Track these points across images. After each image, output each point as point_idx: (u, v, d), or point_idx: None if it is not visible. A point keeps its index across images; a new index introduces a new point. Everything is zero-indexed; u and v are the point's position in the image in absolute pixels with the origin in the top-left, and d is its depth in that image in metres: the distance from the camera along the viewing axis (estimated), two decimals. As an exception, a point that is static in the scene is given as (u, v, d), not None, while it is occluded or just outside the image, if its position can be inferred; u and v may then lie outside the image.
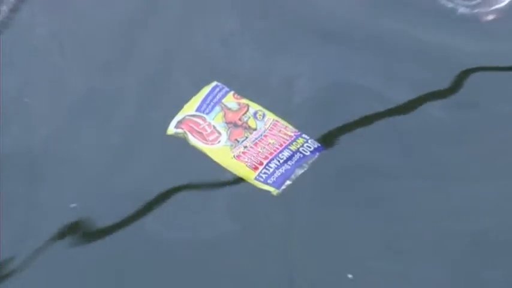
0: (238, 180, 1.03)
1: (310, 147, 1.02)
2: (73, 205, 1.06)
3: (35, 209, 1.08)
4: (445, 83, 1.09)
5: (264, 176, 1.00)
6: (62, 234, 1.03)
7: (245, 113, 1.07)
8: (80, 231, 1.04)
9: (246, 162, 1.01)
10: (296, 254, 1.00)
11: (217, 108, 1.07)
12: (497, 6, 1.15)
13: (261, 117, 1.06)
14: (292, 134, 1.03)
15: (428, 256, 0.95)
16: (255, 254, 1.01)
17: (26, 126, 1.14)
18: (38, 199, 1.09)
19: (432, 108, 1.07)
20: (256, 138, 1.03)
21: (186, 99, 1.08)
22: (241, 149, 1.02)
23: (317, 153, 1.01)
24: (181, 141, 1.06)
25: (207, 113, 1.08)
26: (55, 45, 1.20)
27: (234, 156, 1.01)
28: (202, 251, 1.01)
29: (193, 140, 1.04)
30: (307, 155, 1.01)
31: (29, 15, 1.15)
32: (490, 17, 1.15)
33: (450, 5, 1.17)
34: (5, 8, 1.04)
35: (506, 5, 1.15)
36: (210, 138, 1.04)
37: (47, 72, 1.19)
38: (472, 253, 0.95)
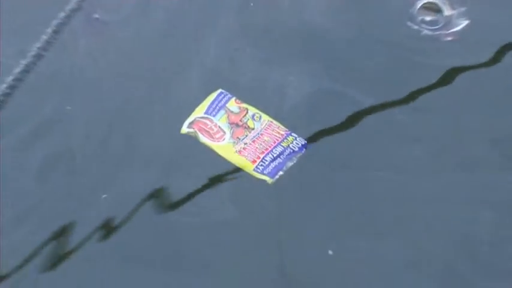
0: (239, 171, 1.10)
1: (298, 144, 1.09)
2: (104, 196, 1.14)
3: (74, 199, 1.15)
4: (406, 91, 1.16)
5: (260, 167, 1.07)
6: (95, 220, 1.11)
7: (245, 115, 1.14)
8: (109, 218, 1.11)
9: (246, 156, 1.08)
10: (285, 232, 1.07)
11: (222, 111, 1.14)
12: (454, 29, 1.23)
13: (258, 118, 1.13)
14: (284, 133, 1.10)
15: (393, 234, 1.02)
16: (251, 232, 1.08)
17: (67, 130, 1.21)
18: (77, 191, 1.16)
19: (395, 111, 1.14)
20: (254, 136, 1.10)
21: (197, 104, 1.14)
22: (242, 145, 1.09)
23: (304, 149, 1.09)
24: (192, 139, 1.12)
25: (214, 115, 1.14)
26: (90, 61, 1.27)
27: (236, 151, 1.09)
28: (207, 232, 1.08)
29: (203, 138, 1.10)
30: (296, 151, 1.08)
31: (70, 36, 1.21)
32: (449, 38, 1.23)
33: (415, 27, 1.25)
34: (49, 29, 1.11)
35: (461, 28, 1.23)
36: (216, 136, 1.11)
37: (85, 84, 1.26)
38: (430, 233, 1.01)
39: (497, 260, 0.98)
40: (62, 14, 1.07)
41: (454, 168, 1.09)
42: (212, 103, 1.15)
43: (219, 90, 1.18)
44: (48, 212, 1.13)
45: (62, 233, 1.10)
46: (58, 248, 1.09)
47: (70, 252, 1.08)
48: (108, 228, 1.11)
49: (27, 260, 1.08)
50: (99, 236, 1.09)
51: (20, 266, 1.07)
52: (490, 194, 1.03)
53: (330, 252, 1.03)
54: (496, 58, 1.22)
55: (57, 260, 1.09)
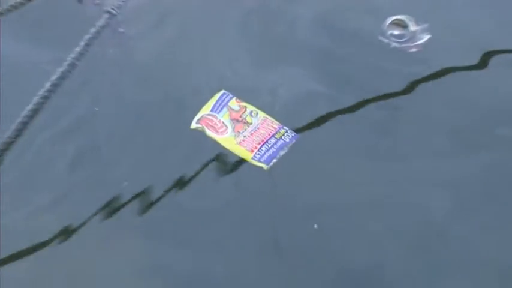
0: (240, 159, 1.16)
1: (289, 136, 1.16)
2: (125, 183, 1.22)
3: (100, 186, 1.22)
4: (379, 92, 1.27)
5: (257, 156, 1.13)
6: (118, 203, 1.19)
7: (244, 112, 1.20)
8: (130, 203, 1.19)
9: (245, 147, 1.14)
10: (279, 210, 1.16)
11: (225, 109, 1.21)
12: (418, 42, 1.33)
13: (255, 115, 1.19)
14: (276, 127, 1.16)
15: (367, 209, 1.13)
16: (250, 211, 1.17)
17: (95, 127, 1.28)
18: (102, 178, 1.23)
19: (370, 108, 1.25)
20: (252, 130, 1.17)
21: (204, 103, 1.21)
22: (242, 138, 1.15)
23: (294, 140, 1.15)
24: (200, 133, 1.19)
25: (218, 113, 1.20)
26: (116, 69, 1.35)
27: (237, 142, 1.15)
28: (213, 212, 1.17)
29: (209, 132, 1.17)
30: (287, 141, 1.15)
31: (99, 48, 1.25)
32: (414, 49, 1.33)
33: (386, 41, 1.34)
34: (82, 42, 1.15)
35: (424, 41, 1.33)
36: (220, 130, 1.17)
37: (111, 89, 1.34)
38: (398, 208, 1.12)
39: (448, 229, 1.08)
40: (93, 29, 1.16)
41: (418, 155, 1.19)
42: (216, 102, 1.21)
43: (222, 91, 1.23)
44: (79, 197, 1.20)
45: (91, 213, 1.18)
46: (88, 227, 1.17)
47: (98, 230, 1.16)
48: (129, 211, 1.19)
49: (62, 237, 1.16)
50: (122, 217, 1.18)
51: (54, 242, 1.16)
52: (446, 176, 1.13)
53: (315, 226, 1.13)
54: (451, 66, 1.31)
55: (88, 237, 1.16)
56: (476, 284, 1.05)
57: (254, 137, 1.15)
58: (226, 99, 1.21)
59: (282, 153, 1.12)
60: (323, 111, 1.24)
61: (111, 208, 1.19)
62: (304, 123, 1.23)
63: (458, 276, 1.06)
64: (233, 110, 1.19)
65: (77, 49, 1.15)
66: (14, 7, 1.09)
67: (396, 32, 1.35)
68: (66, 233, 1.17)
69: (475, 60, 1.31)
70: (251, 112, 1.18)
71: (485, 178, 1.13)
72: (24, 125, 1.11)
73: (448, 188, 1.12)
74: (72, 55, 1.14)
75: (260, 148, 1.13)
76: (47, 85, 1.11)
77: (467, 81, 1.28)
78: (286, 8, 1.47)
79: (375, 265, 1.08)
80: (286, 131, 1.15)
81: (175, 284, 1.12)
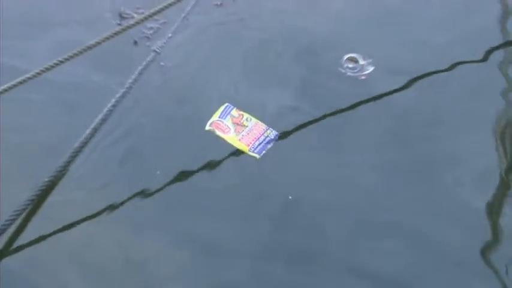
0: (240, 151, 1.56)
1: (273, 135, 1.57)
2: (158, 172, 1.55)
3: (139, 176, 1.53)
4: (340, 107, 1.67)
5: (252, 149, 1.53)
6: (154, 188, 1.51)
7: (242, 118, 1.59)
8: (162, 186, 1.52)
9: (244, 142, 1.54)
10: (268, 187, 1.53)
11: (228, 116, 1.60)
12: (365, 72, 1.75)
13: (250, 120, 1.59)
14: (264, 128, 1.57)
15: (334, 188, 1.51)
16: (247, 189, 1.53)
17: (138, 135, 1.63)
18: (140, 171, 1.55)
19: (333, 119, 1.65)
20: (248, 131, 1.57)
21: (214, 112, 1.63)
22: (241, 136, 1.55)
23: (276, 137, 1.57)
24: (211, 134, 1.59)
25: (224, 118, 1.60)
26: (157, 92, 1.72)
27: (238, 139, 1.55)
28: (221, 190, 1.52)
29: (218, 132, 1.56)
30: (272, 138, 1.56)
31: (147, 76, 1.63)
32: (362, 77, 1.76)
33: (343, 71, 1.78)
34: (136, 72, 1.56)
35: (369, 72, 1.75)
36: (226, 131, 1.57)
37: (153, 105, 1.70)
38: (356, 183, 1.52)
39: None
40: (144, 63, 1.61)
41: (359, 148, 1.61)
42: (223, 111, 1.61)
43: (226, 104, 1.65)
44: (123, 185, 1.55)
45: (132, 194, 1.51)
46: (130, 205, 1.51)
47: (137, 207, 1.49)
48: (161, 192, 1.53)
49: (109, 211, 1.48)
50: (156, 196, 1.52)
51: (103, 216, 1.47)
52: (379, 162, 1.57)
53: (290, 197, 1.50)
54: (388, 90, 1.73)
55: (130, 213, 1.48)
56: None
57: (250, 136, 1.57)
58: (229, 109, 1.62)
59: (269, 146, 1.56)
60: (298, 120, 1.65)
61: (148, 191, 1.53)
62: (284, 128, 1.63)
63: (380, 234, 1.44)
64: (234, 116, 1.60)
65: (133, 76, 1.59)
66: (89, 47, 1.56)
67: (350, 65, 1.77)
68: (114, 208, 1.49)
69: (402, 83, 1.74)
70: (247, 118, 1.61)
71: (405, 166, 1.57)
72: (95, 130, 1.55)
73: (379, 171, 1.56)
74: (130, 80, 1.58)
75: (254, 143, 1.55)
76: (112, 101, 1.56)
77: (397, 98, 1.72)
78: (274, 46, 1.89)
79: (332, 223, 1.47)
80: (271, 131, 1.58)
81: (198, 246, 1.44)
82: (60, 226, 1.46)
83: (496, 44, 1.89)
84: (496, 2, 2.05)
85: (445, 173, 1.56)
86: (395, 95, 1.72)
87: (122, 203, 1.51)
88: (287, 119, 1.67)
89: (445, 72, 1.79)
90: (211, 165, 1.58)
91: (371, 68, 1.75)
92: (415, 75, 1.75)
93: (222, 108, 1.63)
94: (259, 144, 1.56)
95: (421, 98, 1.71)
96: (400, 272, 1.39)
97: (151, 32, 1.88)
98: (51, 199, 1.51)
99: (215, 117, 1.62)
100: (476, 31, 1.90)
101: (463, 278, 1.39)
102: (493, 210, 1.51)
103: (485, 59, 1.85)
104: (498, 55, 1.86)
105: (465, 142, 1.61)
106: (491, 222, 1.48)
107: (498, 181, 1.55)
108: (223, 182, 1.56)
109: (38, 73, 1.48)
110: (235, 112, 1.62)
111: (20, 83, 1.46)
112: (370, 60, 1.76)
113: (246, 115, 1.62)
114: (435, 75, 1.78)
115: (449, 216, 1.48)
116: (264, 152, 1.55)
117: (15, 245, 1.44)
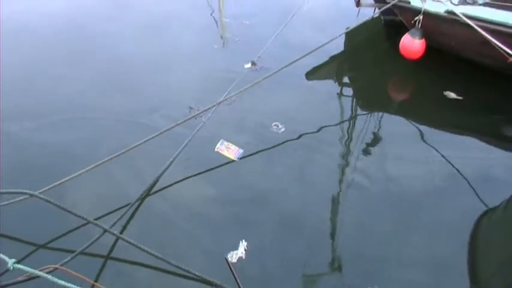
0: (230, 160, 3.82)
1: (241, 152, 3.85)
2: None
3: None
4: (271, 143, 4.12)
5: (236, 157, 3.81)
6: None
7: (229, 145, 3.90)
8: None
9: (231, 154, 3.83)
10: (248, 182, 3.69)
11: (223, 145, 3.90)
12: (279, 131, 4.14)
13: (232, 146, 3.89)
14: (238, 149, 3.85)
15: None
16: (233, 182, 3.69)
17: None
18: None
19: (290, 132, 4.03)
20: (232, 150, 3.86)
21: (216, 143, 3.91)
22: (230, 152, 3.84)
23: (242, 153, 3.86)
24: (217, 153, 3.88)
25: (221, 145, 3.91)
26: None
27: (229, 153, 3.83)
28: (220, 180, 3.69)
29: (220, 152, 3.86)
30: (241, 153, 3.84)
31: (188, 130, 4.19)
32: (281, 131, 4.11)
33: (275, 130, 4.12)
34: (186, 141, 4.07)
35: (282, 132, 4.14)
36: (223, 150, 3.86)
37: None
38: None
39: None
40: (193, 132, 4.02)
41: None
42: (221, 144, 3.92)
43: (221, 140, 3.95)
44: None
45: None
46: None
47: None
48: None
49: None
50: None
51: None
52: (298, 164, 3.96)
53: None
54: (298, 134, 4.13)
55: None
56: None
57: (233, 152, 3.87)
58: (223, 141, 3.95)
59: (240, 156, 3.83)
60: (250, 148, 3.94)
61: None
62: (245, 149, 3.92)
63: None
64: (226, 145, 3.92)
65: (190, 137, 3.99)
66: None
67: (275, 127, 4.14)
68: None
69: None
70: (230, 145, 3.92)
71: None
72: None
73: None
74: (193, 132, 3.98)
75: (235, 155, 3.84)
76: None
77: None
78: (245, 116, 4.30)
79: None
80: (240, 150, 3.88)
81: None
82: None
83: None
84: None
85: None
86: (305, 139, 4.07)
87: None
88: (245, 147, 3.92)
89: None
90: (216, 167, 3.81)
91: (283, 128, 4.14)
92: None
93: (219, 142, 3.96)
94: (236, 155, 3.89)
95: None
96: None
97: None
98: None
99: (217, 144, 3.95)
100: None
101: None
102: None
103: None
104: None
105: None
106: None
107: None
108: (222, 174, 3.75)
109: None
110: (226, 143, 3.96)
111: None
112: (283, 125, 4.16)
113: (231, 144, 3.95)
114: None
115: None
116: (238, 158, 3.86)
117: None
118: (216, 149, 3.91)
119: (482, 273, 2.90)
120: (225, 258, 3.02)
